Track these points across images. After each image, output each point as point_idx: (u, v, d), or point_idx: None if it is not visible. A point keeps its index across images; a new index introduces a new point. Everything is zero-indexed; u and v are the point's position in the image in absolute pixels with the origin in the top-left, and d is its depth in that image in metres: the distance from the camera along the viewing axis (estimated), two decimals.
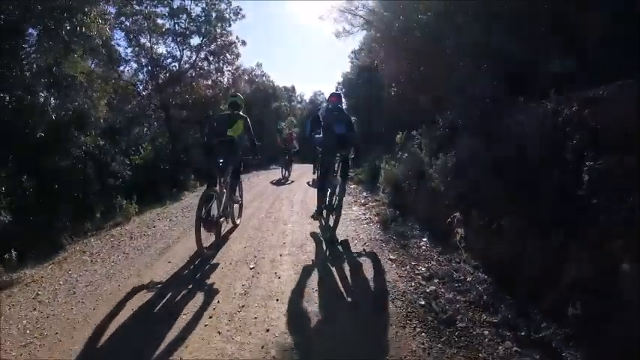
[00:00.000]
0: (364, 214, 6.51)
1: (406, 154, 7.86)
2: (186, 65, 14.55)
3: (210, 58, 14.53)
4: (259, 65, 26.59)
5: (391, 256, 4.36)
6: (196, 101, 13.62)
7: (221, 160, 4.53)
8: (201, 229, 4.13)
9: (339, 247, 4.76)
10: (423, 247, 4.76)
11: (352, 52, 22.30)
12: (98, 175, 16.65)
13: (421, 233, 5.31)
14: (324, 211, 5.24)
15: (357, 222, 5.95)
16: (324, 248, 4.69)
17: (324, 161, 5.12)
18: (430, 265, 4.23)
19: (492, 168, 4.41)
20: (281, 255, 4.38)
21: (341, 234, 5.22)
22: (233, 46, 14.75)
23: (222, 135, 4.59)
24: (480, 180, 4.48)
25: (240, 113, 4.89)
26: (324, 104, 5.49)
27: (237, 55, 15.08)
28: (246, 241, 4.98)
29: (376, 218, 6.12)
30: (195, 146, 16.10)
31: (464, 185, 4.74)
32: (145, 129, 17.56)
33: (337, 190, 4.92)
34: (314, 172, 10.27)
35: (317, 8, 48.24)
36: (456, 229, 4.73)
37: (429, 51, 9.43)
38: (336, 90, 24.59)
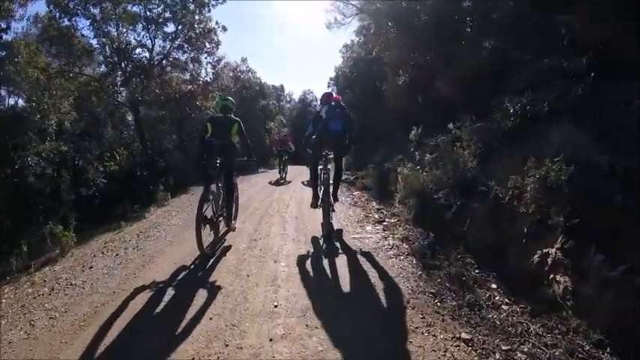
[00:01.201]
0: (385, 238, 4.70)
1: (427, 156, 6.14)
2: (159, 56, 12.54)
3: (186, 47, 12.48)
4: (244, 60, 24.56)
5: (463, 334, 2.54)
6: (170, 97, 11.62)
7: (218, 161, 4.47)
8: (202, 229, 4.06)
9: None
10: (504, 308, 2.97)
11: (344, 47, 20.69)
12: (74, 183, 14.71)
13: (483, 274, 3.55)
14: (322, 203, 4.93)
15: (381, 254, 4.12)
16: (345, 318, 2.85)
17: (315, 159, 5.05)
18: (530, 346, 2.45)
19: (620, 181, 2.66)
20: (271, 340, 2.49)
21: (362, 278, 3.46)
22: (212, 33, 12.74)
23: (220, 137, 4.55)
24: (600, 199, 2.72)
25: (233, 117, 4.82)
26: (319, 105, 5.44)
27: (217, 44, 13.08)
28: (214, 303, 3.10)
29: (405, 246, 4.32)
30: (175, 150, 14.18)
31: (563, 204, 2.97)
32: (123, 131, 15.61)
33: (331, 189, 4.98)
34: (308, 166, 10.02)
35: (306, 8, 47.12)
36: (554, 276, 2.96)
37: (440, 34, 7.76)
38: (328, 86, 22.90)
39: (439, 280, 3.42)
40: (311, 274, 3.60)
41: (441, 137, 6.21)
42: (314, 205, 5.06)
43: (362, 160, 11.86)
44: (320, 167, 5.02)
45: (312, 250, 4.35)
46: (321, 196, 4.91)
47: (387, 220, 5.56)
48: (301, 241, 4.70)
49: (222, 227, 4.80)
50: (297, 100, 41.25)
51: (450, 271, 3.50)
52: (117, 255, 4.75)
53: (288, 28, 59.37)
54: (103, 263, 4.50)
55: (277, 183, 11.11)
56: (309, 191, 7.88)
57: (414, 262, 3.83)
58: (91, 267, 4.43)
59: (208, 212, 4.26)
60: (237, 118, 4.80)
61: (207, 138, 4.59)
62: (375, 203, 7.10)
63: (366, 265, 3.77)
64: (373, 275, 3.54)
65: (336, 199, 5.28)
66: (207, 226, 4.25)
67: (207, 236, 4.24)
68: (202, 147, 4.60)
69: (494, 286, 3.41)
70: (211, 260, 4.07)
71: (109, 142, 15.03)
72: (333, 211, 5.04)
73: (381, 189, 7.76)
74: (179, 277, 3.68)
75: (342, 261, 3.92)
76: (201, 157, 4.56)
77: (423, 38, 8.03)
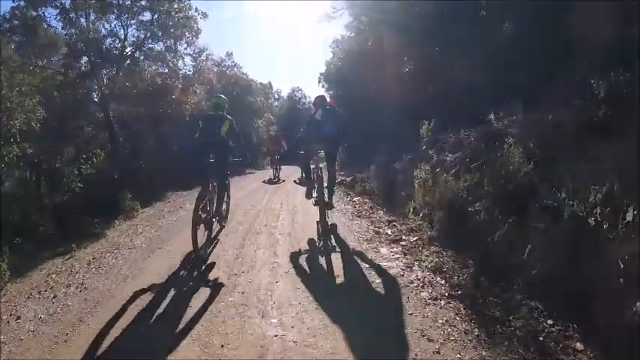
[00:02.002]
0: (409, 267, 3.59)
1: (449, 156, 5.07)
2: (132, 47, 11.17)
3: (161, 35, 11.09)
4: (230, 55, 23.20)
5: None
6: (144, 91, 10.29)
7: (212, 161, 4.42)
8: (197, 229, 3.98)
9: None
10: None
11: (334, 42, 19.59)
12: (51, 189, 13.29)
13: (560, 327, 2.47)
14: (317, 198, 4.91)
15: (411, 296, 3.00)
16: None
17: (308, 158, 5.18)
18: None
19: None
20: None
21: (395, 345, 2.35)
22: (192, 20, 11.40)
23: (211, 135, 4.42)
24: None
25: (225, 115, 4.67)
26: (312, 107, 5.29)
27: (197, 32, 11.76)
28: None
29: (440, 282, 3.23)
30: (152, 150, 12.84)
31: None
32: (99, 131, 14.24)
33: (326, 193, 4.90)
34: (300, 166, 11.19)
35: (294, 7, 46.43)
36: None
37: (456, 13, 6.67)
38: (319, 81, 21.63)
39: (506, 342, 2.33)
40: (318, 343, 2.43)
41: (464, 132, 5.14)
42: (308, 196, 5.20)
43: (360, 159, 10.71)
44: (312, 166, 5.15)
45: (313, 289, 3.20)
46: (316, 195, 4.89)
47: (404, 237, 4.46)
48: (297, 273, 3.54)
49: (215, 227, 4.71)
50: (285, 97, 40.13)
51: (518, 328, 2.41)
52: (54, 297, 3.53)
53: (275, 28, 58.28)
54: (35, 311, 3.29)
55: (270, 182, 11.20)
56: (301, 196, 6.99)
57: (462, 310, 2.72)
58: (19, 318, 3.22)
59: (204, 212, 4.23)
60: (229, 116, 4.67)
61: (197, 136, 4.50)
62: (382, 213, 6.00)
63: (397, 319, 2.65)
64: (410, 339, 2.41)
65: (330, 206, 5.07)
66: (202, 225, 4.21)
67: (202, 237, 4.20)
68: (194, 146, 4.55)
69: (579, 346, 2.35)
70: (173, 313, 2.89)
71: (84, 142, 13.71)
72: (329, 209, 5.04)
73: (388, 194, 6.68)
74: (122, 345, 2.50)
75: (360, 314, 2.78)
76: (195, 156, 4.53)
77: (434, 20, 6.92)
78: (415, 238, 4.33)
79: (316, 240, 4.59)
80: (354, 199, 7.41)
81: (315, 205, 4.93)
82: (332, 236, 4.60)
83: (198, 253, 3.98)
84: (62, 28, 11.90)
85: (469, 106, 5.02)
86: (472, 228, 3.76)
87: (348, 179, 9.74)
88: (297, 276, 3.45)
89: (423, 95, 7.55)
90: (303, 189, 6.06)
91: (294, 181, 10.62)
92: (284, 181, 11.28)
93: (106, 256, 4.51)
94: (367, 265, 3.70)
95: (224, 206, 4.92)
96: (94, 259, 4.53)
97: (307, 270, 3.64)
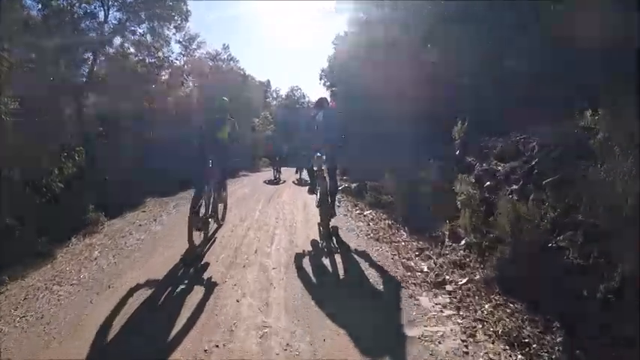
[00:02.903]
0: (471, 335, 2.44)
1: (500, 166, 3.96)
2: (112, 29, 9.91)
3: (143, 15, 9.81)
4: (226, 47, 21.91)
5: None
6: (124, 81, 9.04)
7: (210, 161, 4.53)
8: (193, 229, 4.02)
9: None
10: None
11: (336, 38, 18.56)
12: (33, 190, 12.03)
13: None
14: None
15: None
16: None
17: (309, 161, 5.24)
18: None
19: None
20: None
21: None
22: (181, 2, 10.10)
23: (212, 137, 4.60)
24: None
25: (227, 116, 4.84)
26: (314, 109, 5.32)
27: (187, 15, 10.46)
28: None
29: None
30: (133, 150, 11.59)
31: None
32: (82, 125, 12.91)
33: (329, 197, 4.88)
34: (296, 172, 12.21)
35: (292, 7, 45.60)
36: None
37: None
38: (320, 78, 20.58)
39: None
40: None
41: (519, 135, 4.00)
42: (311, 192, 5.37)
43: (368, 164, 9.45)
44: (315, 168, 5.15)
45: None
46: (319, 197, 4.87)
47: (448, 277, 3.28)
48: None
49: (212, 225, 4.78)
50: (284, 96, 39.05)
51: None
52: None
53: (275, 28, 57.29)
54: None
55: (271, 182, 11.50)
56: (300, 206, 6.73)
57: None
58: None
59: (199, 212, 4.23)
60: (231, 118, 4.85)
61: (200, 139, 4.62)
62: (405, 234, 4.82)
63: None
64: None
65: (333, 214, 5.06)
66: (199, 224, 4.22)
67: (199, 236, 4.20)
68: (197, 148, 4.58)
69: None
70: None
71: (66, 137, 12.46)
72: (332, 217, 5.02)
73: (409, 209, 5.48)
74: None
75: None
76: (198, 158, 4.54)
77: None
78: (464, 280, 3.15)
79: (318, 241, 4.59)
80: (366, 213, 6.22)
81: (317, 206, 4.97)
82: (334, 238, 4.65)
83: (194, 251, 4.00)
84: (39, 10, 10.73)
85: (527, 101, 3.87)
86: (552, 270, 2.60)
87: (353, 186, 8.56)
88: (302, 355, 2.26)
89: (451, 91, 6.36)
90: (301, 197, 6.13)
91: (293, 182, 11.10)
92: (284, 181, 11.55)
93: (40, 296, 3.30)
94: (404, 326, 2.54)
95: (222, 203, 5.20)
96: (25, 298, 3.32)
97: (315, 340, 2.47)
